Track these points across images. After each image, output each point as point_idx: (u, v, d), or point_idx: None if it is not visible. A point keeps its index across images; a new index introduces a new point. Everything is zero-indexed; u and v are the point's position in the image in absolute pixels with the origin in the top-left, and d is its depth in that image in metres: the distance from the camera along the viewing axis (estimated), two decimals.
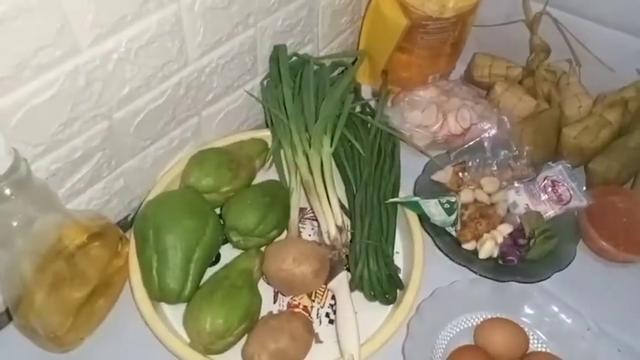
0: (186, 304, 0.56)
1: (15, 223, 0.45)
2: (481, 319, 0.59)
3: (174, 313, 0.58)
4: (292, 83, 0.69)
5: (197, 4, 0.54)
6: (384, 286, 0.58)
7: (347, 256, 0.60)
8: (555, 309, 0.58)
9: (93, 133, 0.53)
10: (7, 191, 0.42)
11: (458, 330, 0.59)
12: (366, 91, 0.79)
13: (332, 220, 0.60)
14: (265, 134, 0.71)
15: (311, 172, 0.63)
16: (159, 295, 0.56)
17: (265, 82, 0.72)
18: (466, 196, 0.67)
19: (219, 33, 0.59)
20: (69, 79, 0.47)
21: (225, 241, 0.63)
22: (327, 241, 0.60)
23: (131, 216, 0.66)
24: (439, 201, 0.63)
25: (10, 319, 0.55)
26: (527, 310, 0.59)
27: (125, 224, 0.66)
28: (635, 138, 0.68)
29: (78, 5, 0.44)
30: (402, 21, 0.70)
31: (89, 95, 0.50)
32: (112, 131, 0.55)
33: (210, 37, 0.59)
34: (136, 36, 0.50)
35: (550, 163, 0.70)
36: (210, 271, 0.60)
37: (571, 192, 0.67)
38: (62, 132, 0.50)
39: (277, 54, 0.69)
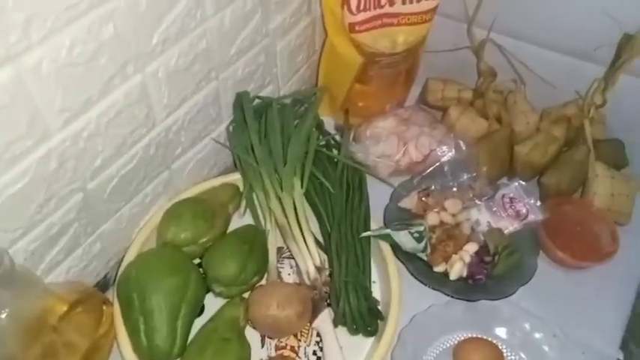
0: None
1: (3, 315, 0.45)
2: (458, 339, 0.62)
3: None
4: (257, 126, 0.71)
5: (160, 70, 0.55)
6: (366, 320, 0.61)
7: (327, 293, 0.63)
8: (524, 322, 0.63)
9: (68, 207, 0.54)
10: None
11: (438, 352, 0.62)
12: (328, 124, 0.82)
13: (310, 260, 0.63)
14: (236, 177, 0.72)
15: (285, 215, 0.66)
16: (149, 356, 0.57)
17: (231, 127, 0.73)
18: (432, 219, 0.71)
19: (184, 92, 0.61)
20: (42, 163, 0.47)
21: (208, 290, 0.64)
22: (307, 282, 0.63)
23: (110, 274, 0.67)
24: (409, 231, 0.66)
25: None
26: (499, 326, 0.63)
27: (105, 283, 0.66)
28: (579, 151, 0.73)
29: (46, 94, 0.44)
30: (356, 58, 0.73)
31: (62, 174, 0.50)
32: (87, 201, 0.56)
33: (175, 98, 0.60)
34: (105, 111, 0.51)
35: (506, 180, 0.75)
36: (196, 323, 0.61)
37: (527, 207, 0.71)
38: (39, 213, 0.50)
39: (240, 101, 0.71)
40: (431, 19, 0.72)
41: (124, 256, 0.64)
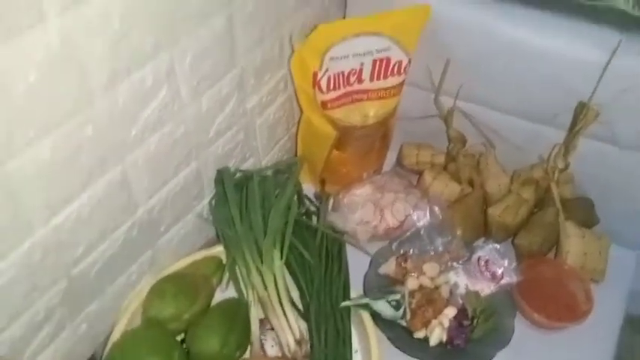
0: None
1: None
2: None
3: None
4: (239, 199, 0.74)
5: (139, 158, 0.59)
6: None
7: None
8: None
9: (52, 293, 0.56)
10: None
11: None
12: (309, 191, 0.85)
13: (290, 334, 0.64)
14: (218, 250, 0.75)
15: (265, 288, 0.67)
16: None
17: (213, 202, 0.76)
18: (412, 283, 0.73)
19: (164, 175, 0.64)
20: (25, 257, 0.50)
21: None
22: (288, 354, 0.64)
23: (98, 353, 0.68)
24: (386, 300, 0.68)
25: None
26: None
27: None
28: (549, 213, 0.76)
29: (29, 193, 0.47)
30: (331, 132, 0.77)
31: (46, 265, 0.53)
32: (71, 286, 0.58)
33: (156, 181, 0.63)
34: (85, 203, 0.54)
35: (481, 242, 0.77)
36: None
37: (502, 269, 0.73)
38: (23, 302, 0.52)
39: (221, 177, 0.74)
40: (398, 93, 0.76)
41: (110, 334, 0.66)
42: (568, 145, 0.73)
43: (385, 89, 0.75)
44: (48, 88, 0.44)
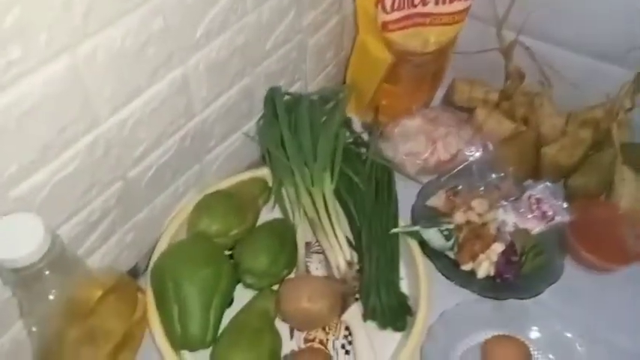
0: (207, 349, 0.58)
1: (51, 297, 0.46)
2: (487, 337, 0.63)
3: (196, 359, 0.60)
4: (288, 122, 0.72)
5: (201, 63, 0.56)
6: (395, 315, 0.62)
7: (357, 287, 0.64)
8: (552, 321, 0.63)
9: (109, 193, 0.55)
10: (47, 272, 0.43)
11: (467, 348, 0.63)
12: (355, 122, 0.83)
13: (341, 255, 0.63)
14: (264, 172, 0.73)
15: (316, 210, 0.66)
16: (183, 343, 0.58)
17: (261, 122, 0.74)
18: (459, 218, 0.72)
19: (221, 85, 0.62)
20: (89, 150, 0.48)
21: (238, 282, 0.65)
22: (337, 276, 0.63)
23: (140, 264, 0.67)
24: (439, 229, 0.67)
25: None
26: (527, 325, 0.64)
27: (137, 271, 0.67)
28: (606, 154, 0.74)
29: (98, 83, 0.45)
30: (386, 57, 0.74)
31: (107, 161, 0.51)
32: (126, 190, 0.57)
33: (213, 91, 0.61)
34: (149, 101, 0.52)
35: (532, 181, 0.75)
36: (226, 313, 0.62)
37: (554, 208, 0.72)
38: (82, 198, 0.51)
39: (272, 95, 0.72)
40: (462, 20, 0.73)
41: (154, 246, 0.65)
42: (638, 84, 0.70)
43: (449, 14, 0.71)
44: None
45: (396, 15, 0.69)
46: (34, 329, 0.51)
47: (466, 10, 0.72)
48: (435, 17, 0.71)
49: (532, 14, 0.73)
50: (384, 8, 0.68)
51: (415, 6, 0.70)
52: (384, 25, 0.70)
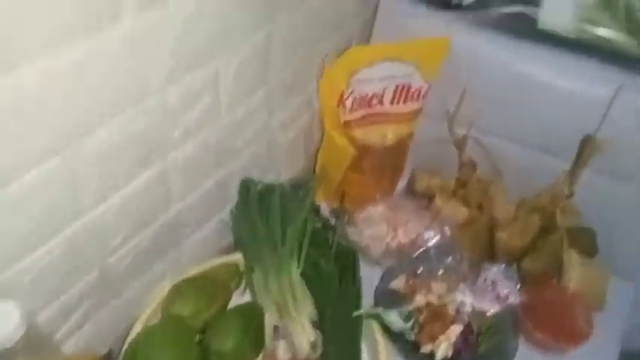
0: None
1: None
2: None
3: None
4: (259, 210, 0.78)
5: (179, 159, 0.63)
6: None
7: None
8: None
9: (86, 281, 0.59)
10: (20, 358, 0.46)
11: None
12: (324, 210, 0.89)
13: (305, 337, 0.67)
14: (237, 257, 0.78)
15: (282, 294, 0.70)
16: None
17: (234, 210, 0.80)
18: (419, 300, 0.76)
19: (197, 178, 0.68)
20: (73, 238, 0.53)
21: None
22: (300, 358, 0.66)
23: (114, 349, 0.70)
24: (398, 311, 0.71)
25: None
26: None
27: (111, 355, 0.69)
28: (554, 239, 0.80)
29: (85, 179, 0.51)
30: (350, 150, 0.81)
31: (87, 249, 0.56)
32: (103, 276, 0.61)
33: (189, 183, 0.67)
34: (129, 193, 0.57)
35: (488, 264, 0.80)
36: None
37: (508, 290, 0.77)
38: (61, 285, 0.55)
39: (245, 186, 0.78)
40: (415, 118, 0.81)
41: (129, 331, 0.68)
42: (573, 175, 0.77)
43: (404, 114, 0.80)
44: (116, 76, 0.49)
45: (356, 114, 0.77)
46: None
47: (419, 110, 0.81)
48: (391, 116, 0.80)
49: (480, 112, 0.81)
50: (344, 109, 0.76)
51: (373, 107, 0.78)
52: (346, 124, 0.78)
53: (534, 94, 0.78)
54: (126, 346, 0.65)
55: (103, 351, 0.69)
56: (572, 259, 0.78)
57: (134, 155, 0.56)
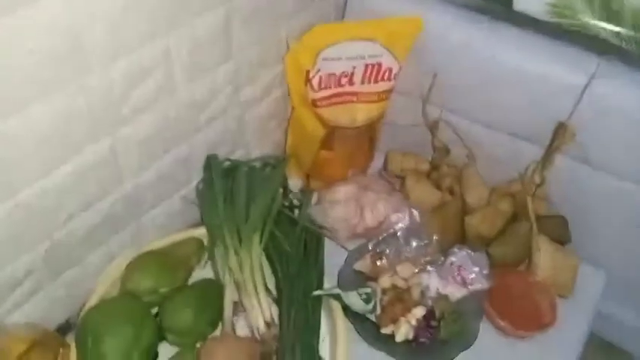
0: None
1: None
2: None
3: None
4: (224, 186, 0.77)
5: (130, 135, 0.62)
6: None
7: (276, 348, 0.66)
8: None
9: (34, 253, 0.58)
10: None
11: None
12: (294, 184, 0.88)
13: (260, 316, 0.66)
14: (201, 232, 0.77)
15: (241, 271, 0.70)
16: None
17: (200, 185, 0.79)
18: (384, 282, 0.75)
19: (152, 155, 0.67)
20: (10, 214, 0.52)
21: (164, 338, 0.67)
22: (257, 336, 0.66)
23: (72, 319, 0.70)
24: (357, 292, 0.70)
25: None
26: None
27: (67, 327, 0.69)
28: (523, 226, 0.78)
29: (17, 155, 0.50)
30: (320, 130, 0.80)
31: (29, 225, 0.55)
32: (53, 249, 0.60)
33: (145, 160, 0.66)
34: (73, 171, 0.57)
35: (455, 248, 0.79)
36: None
37: (474, 275, 0.76)
38: (4, 258, 0.55)
39: (209, 163, 0.77)
40: (387, 99, 0.80)
41: (86, 302, 0.68)
42: (545, 162, 0.76)
43: (374, 93, 0.78)
44: (48, 53, 0.47)
45: (324, 93, 0.76)
46: None
47: (390, 90, 0.79)
48: (362, 95, 0.78)
49: (451, 95, 0.80)
50: (312, 87, 0.75)
51: (342, 85, 0.77)
52: (314, 102, 0.76)
53: (509, 78, 0.76)
54: (80, 316, 0.65)
55: (62, 320, 0.69)
56: (542, 245, 0.77)
57: (77, 131, 0.55)
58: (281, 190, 0.82)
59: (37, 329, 0.61)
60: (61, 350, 0.62)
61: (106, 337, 0.60)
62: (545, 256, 0.77)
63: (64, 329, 0.69)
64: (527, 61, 0.73)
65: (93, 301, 0.67)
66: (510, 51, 0.74)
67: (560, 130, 0.72)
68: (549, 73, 0.72)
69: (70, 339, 0.64)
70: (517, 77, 0.74)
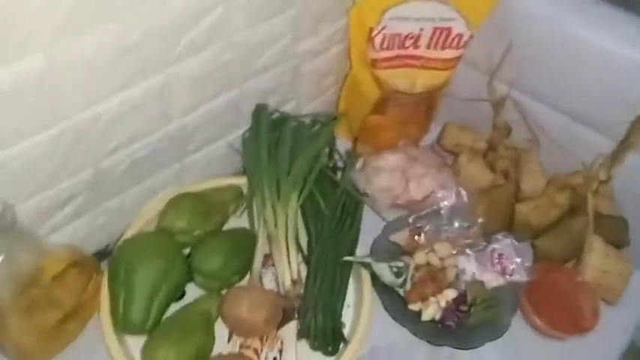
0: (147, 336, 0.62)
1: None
2: None
3: (138, 344, 0.63)
4: (271, 138, 0.75)
5: (183, 74, 0.61)
6: (328, 339, 0.64)
7: (299, 306, 0.66)
8: None
9: (79, 179, 0.60)
10: None
11: None
12: (343, 145, 0.85)
13: (288, 272, 0.66)
14: (242, 182, 0.77)
15: (276, 225, 0.69)
16: (123, 325, 0.62)
17: (246, 134, 0.78)
18: (419, 258, 0.73)
19: (203, 96, 0.66)
20: (60, 137, 0.53)
21: (192, 279, 0.69)
22: (282, 291, 0.66)
23: (111, 247, 0.72)
24: (389, 265, 0.69)
25: None
26: None
27: (105, 254, 0.72)
28: (579, 222, 0.73)
29: (70, 81, 0.50)
30: (375, 92, 0.76)
31: (77, 150, 0.56)
32: (97, 177, 0.62)
33: (194, 100, 0.65)
34: (124, 101, 0.57)
35: (500, 235, 0.75)
36: (175, 307, 0.65)
37: (515, 266, 0.72)
38: (51, 178, 0.56)
39: (258, 111, 0.76)
40: (453, 67, 0.75)
41: (124, 232, 0.70)
42: (615, 158, 0.69)
43: (440, 60, 0.73)
44: None
45: (386, 54, 0.72)
46: None
47: (458, 58, 0.74)
48: (426, 61, 0.74)
49: (524, 71, 0.74)
50: (373, 46, 0.71)
51: (406, 48, 0.72)
52: (373, 62, 0.73)
53: (592, 59, 0.68)
54: (116, 246, 0.67)
55: (100, 246, 0.71)
56: (595, 245, 0.72)
57: (127, 66, 0.54)
58: (326, 151, 0.80)
59: (75, 252, 0.63)
60: (94, 276, 0.65)
61: (137, 269, 0.62)
62: (597, 258, 0.71)
63: (101, 255, 0.71)
64: (616, 43, 0.66)
65: (130, 233, 0.69)
66: (597, 30, 0.66)
67: (639, 125, 0.66)
68: (636, 58, 0.65)
69: (105, 266, 0.67)
70: (602, 59, 0.67)
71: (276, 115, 0.79)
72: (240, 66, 0.68)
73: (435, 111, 0.84)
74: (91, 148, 0.58)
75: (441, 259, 0.74)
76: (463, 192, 0.77)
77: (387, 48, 0.72)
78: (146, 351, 0.60)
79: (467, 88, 0.81)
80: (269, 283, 0.71)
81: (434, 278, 0.72)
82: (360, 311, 0.66)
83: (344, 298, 0.68)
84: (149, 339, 0.61)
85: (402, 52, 0.73)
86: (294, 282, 0.66)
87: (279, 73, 0.74)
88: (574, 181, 0.76)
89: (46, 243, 0.61)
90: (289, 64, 0.75)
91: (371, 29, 0.70)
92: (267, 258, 0.73)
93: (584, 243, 0.73)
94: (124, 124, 0.59)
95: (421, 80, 0.74)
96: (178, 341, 0.59)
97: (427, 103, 0.79)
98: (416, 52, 0.73)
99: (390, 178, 0.77)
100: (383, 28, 0.69)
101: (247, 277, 0.70)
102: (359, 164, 0.81)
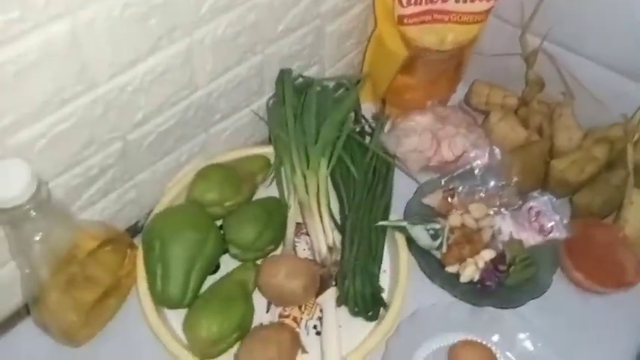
0: (186, 309, 0.62)
1: (37, 238, 0.51)
2: (455, 341, 0.63)
3: (177, 316, 0.63)
4: (296, 104, 0.73)
5: (207, 38, 0.58)
6: (367, 304, 0.63)
7: (336, 272, 0.65)
8: (524, 335, 0.63)
9: (108, 152, 0.58)
10: (32, 213, 0.47)
11: (434, 349, 0.63)
12: (367, 109, 0.83)
13: (323, 240, 0.65)
14: (268, 151, 0.75)
15: (307, 192, 0.68)
16: (162, 300, 0.61)
17: (271, 102, 0.76)
18: (454, 220, 0.71)
19: (228, 61, 0.64)
20: (88, 109, 0.52)
21: (226, 251, 0.68)
22: (317, 259, 0.65)
23: (142, 222, 0.72)
24: (425, 227, 0.67)
25: (29, 312, 0.62)
26: (499, 335, 0.63)
27: (136, 229, 0.71)
28: (617, 175, 0.71)
29: (97, 48, 0.48)
30: (402, 51, 0.73)
31: (105, 121, 0.55)
32: (125, 150, 0.60)
33: (219, 66, 0.63)
34: (149, 69, 0.55)
35: (536, 193, 0.73)
36: (210, 279, 0.65)
37: (553, 223, 0.70)
38: (80, 153, 0.55)
39: (282, 77, 0.73)
40: (483, 21, 0.71)
41: (155, 207, 0.69)
42: None
43: (470, 13, 0.70)
44: None
45: (413, 9, 0.69)
46: (27, 271, 0.55)
47: (488, 11, 0.71)
48: (455, 15, 0.70)
49: (558, 22, 0.70)
50: (400, 2, 0.68)
51: (434, 2, 0.69)
52: (400, 19, 0.70)
53: (631, 7, 0.65)
54: (147, 222, 0.66)
55: (131, 222, 0.71)
56: (636, 199, 0.70)
57: (152, 30, 0.52)
58: (352, 115, 0.78)
59: (109, 228, 0.63)
60: (128, 251, 0.64)
61: (172, 243, 0.61)
62: (638, 212, 0.70)
63: (133, 231, 0.70)
64: None
65: (161, 206, 0.68)
66: None
67: None
68: None
69: (138, 241, 0.66)
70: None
71: (299, 80, 0.77)
72: (264, 28, 0.65)
73: (464, 68, 0.81)
74: (118, 120, 0.56)
75: (476, 219, 0.72)
76: (497, 150, 0.75)
77: (415, 3, 0.68)
78: (188, 323, 0.59)
79: (497, 43, 0.78)
80: (302, 252, 0.70)
81: (470, 240, 0.70)
82: (398, 275, 0.66)
83: (380, 263, 0.67)
84: (190, 311, 0.60)
85: (430, 6, 0.69)
86: (330, 249, 0.65)
87: (302, 35, 0.71)
88: (612, 134, 0.73)
89: (79, 220, 0.60)
90: (312, 25, 0.72)
91: None
92: (299, 227, 0.72)
93: (623, 197, 0.71)
94: (150, 93, 0.57)
95: (451, 36, 0.71)
96: (221, 311, 0.58)
97: (456, 59, 0.77)
98: (445, 6, 0.70)
99: (421, 139, 0.75)
100: None
101: (281, 247, 0.69)
102: (387, 127, 0.78)
